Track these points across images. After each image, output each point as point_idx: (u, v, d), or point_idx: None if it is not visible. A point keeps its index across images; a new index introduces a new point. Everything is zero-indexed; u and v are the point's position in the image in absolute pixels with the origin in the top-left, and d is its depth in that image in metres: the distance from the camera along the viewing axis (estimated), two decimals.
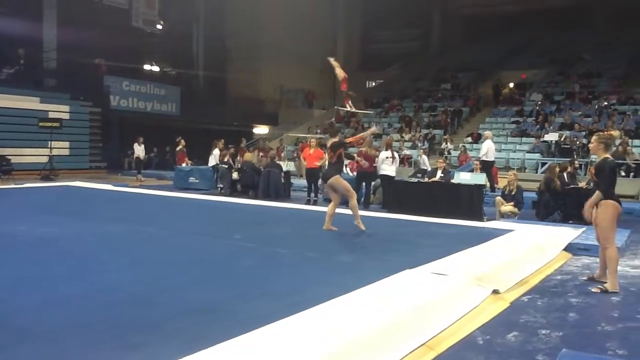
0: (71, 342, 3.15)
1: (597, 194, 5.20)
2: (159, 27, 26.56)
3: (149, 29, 26.26)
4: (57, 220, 7.94)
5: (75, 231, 7.07)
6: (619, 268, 5.48)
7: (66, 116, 20.37)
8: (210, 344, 3.00)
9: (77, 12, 22.06)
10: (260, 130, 30.47)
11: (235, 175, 13.73)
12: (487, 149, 14.18)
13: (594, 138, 5.43)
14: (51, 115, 19.45)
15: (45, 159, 17.79)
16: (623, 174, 15.77)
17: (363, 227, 7.54)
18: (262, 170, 13.22)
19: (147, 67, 27.43)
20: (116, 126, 23.09)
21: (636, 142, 17.67)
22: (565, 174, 10.67)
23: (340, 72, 14.38)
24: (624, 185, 13.75)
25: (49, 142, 18.12)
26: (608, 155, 5.23)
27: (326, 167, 8.27)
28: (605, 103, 21.33)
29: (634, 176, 15.99)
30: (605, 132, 5.53)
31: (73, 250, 5.89)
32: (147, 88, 25.50)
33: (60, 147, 19.61)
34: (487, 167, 13.57)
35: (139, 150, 17.86)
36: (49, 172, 17.13)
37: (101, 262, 5.32)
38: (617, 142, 15.77)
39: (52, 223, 7.61)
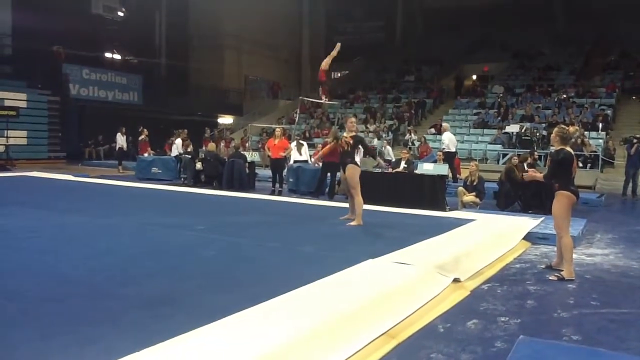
0: (22, 337, 3.03)
1: (541, 175, 5.66)
2: (120, 14, 25.92)
3: (110, 16, 25.60)
4: (12, 211, 7.69)
5: (31, 222, 6.85)
6: (575, 256, 5.63)
7: (23, 104, 19.82)
8: (168, 337, 2.93)
9: None
10: (225, 120, 30.17)
11: (198, 165, 13.56)
12: (448, 141, 14.39)
13: (554, 130, 5.60)
14: (7, 103, 18.87)
15: (1, 149, 17.25)
16: (580, 165, 16.19)
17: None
18: (226, 160, 13.09)
19: (108, 55, 26.79)
20: (76, 115, 22.48)
21: (593, 134, 18.16)
22: (525, 165, 10.89)
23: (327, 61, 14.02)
24: (581, 176, 14.11)
25: (5, 131, 17.58)
26: (564, 147, 5.37)
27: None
28: (564, 96, 21.85)
29: (591, 167, 16.45)
30: (565, 127, 5.70)
31: (28, 241, 5.70)
32: (108, 76, 24.95)
33: (17, 137, 19.09)
34: (449, 158, 13.76)
35: (122, 140, 17.52)
36: (5, 161, 16.65)
37: (57, 254, 5.17)
38: (575, 136, 16.20)
39: (7, 214, 7.37)
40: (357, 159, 11.29)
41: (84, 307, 3.59)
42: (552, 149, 5.71)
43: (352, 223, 7.47)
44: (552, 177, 5.41)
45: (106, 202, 9.74)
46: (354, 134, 7.83)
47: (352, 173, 7.63)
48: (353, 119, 8.11)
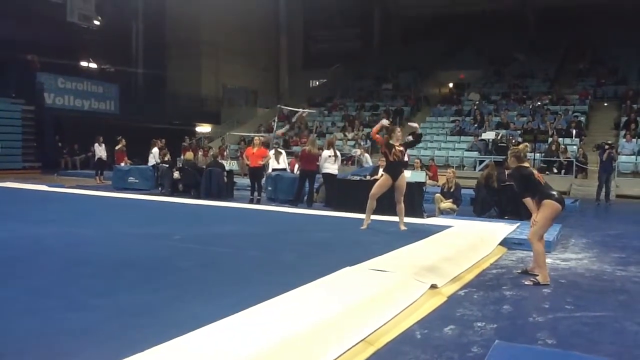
0: None
1: (527, 201, 5.50)
2: (96, 22, 25.68)
3: (86, 25, 25.34)
4: None
5: (4, 234, 6.70)
6: (550, 261, 5.72)
7: None
8: (146, 347, 2.90)
9: (7, 5, 21.03)
10: (203, 129, 30.03)
11: (176, 174, 13.45)
12: None
13: (508, 153, 5.79)
14: None
15: None
16: (555, 171, 16.48)
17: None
18: (204, 169, 13.02)
19: (83, 63, 26.51)
20: (51, 125, 22.17)
21: (567, 140, 18.47)
22: (505, 171, 10.99)
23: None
24: (556, 181, 14.36)
25: None
26: (521, 165, 5.54)
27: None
28: (539, 103, 22.21)
29: (565, 173, 16.73)
30: (516, 147, 5.83)
31: (0, 253, 5.60)
32: (84, 85, 24.71)
33: None
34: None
35: (100, 150, 17.21)
36: None
37: (30, 266, 5.08)
38: (525, 152, 16.53)
39: None
40: (336, 166, 11.42)
41: (59, 320, 3.53)
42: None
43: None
44: (525, 192, 5.50)
45: (82, 212, 9.60)
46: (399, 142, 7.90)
47: (404, 180, 7.89)
48: (399, 129, 8.21)
